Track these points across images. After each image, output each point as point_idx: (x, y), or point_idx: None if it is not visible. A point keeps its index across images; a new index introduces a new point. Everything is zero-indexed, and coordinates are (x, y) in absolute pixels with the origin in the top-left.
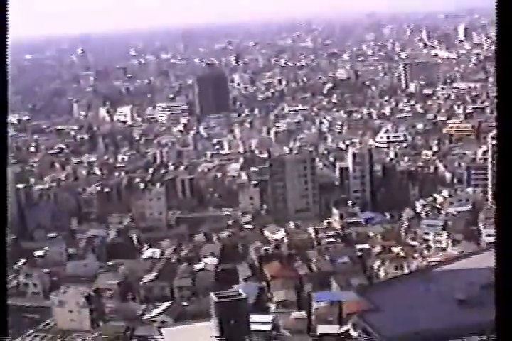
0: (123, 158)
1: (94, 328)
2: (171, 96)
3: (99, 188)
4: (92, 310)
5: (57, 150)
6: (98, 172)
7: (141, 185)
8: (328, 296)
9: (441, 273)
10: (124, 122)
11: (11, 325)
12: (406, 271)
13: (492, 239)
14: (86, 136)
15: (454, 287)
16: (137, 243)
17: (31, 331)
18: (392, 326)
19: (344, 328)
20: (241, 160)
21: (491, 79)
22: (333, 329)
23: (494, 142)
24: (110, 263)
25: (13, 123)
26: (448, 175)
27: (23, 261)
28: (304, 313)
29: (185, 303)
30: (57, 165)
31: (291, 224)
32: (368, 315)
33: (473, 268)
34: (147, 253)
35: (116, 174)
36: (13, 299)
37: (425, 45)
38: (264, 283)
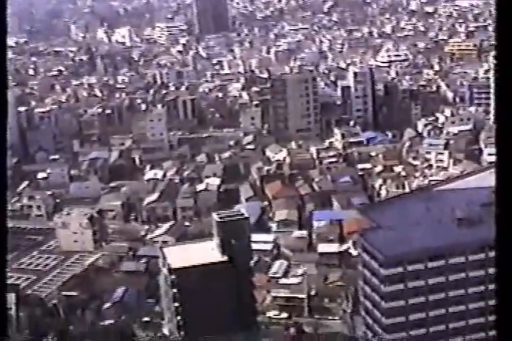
0: (123, 79)
1: (97, 249)
2: (170, 16)
3: (100, 110)
4: (95, 231)
5: (57, 73)
6: (99, 93)
7: (142, 106)
8: (329, 215)
9: (441, 192)
10: (123, 43)
11: (15, 247)
12: (407, 190)
13: (493, 158)
14: (85, 58)
15: (454, 206)
16: (139, 164)
17: (35, 252)
18: (393, 244)
19: (344, 247)
20: (242, 80)
21: None
22: (333, 247)
23: (496, 61)
24: (113, 184)
25: (10, 46)
26: (450, 94)
27: (25, 183)
28: (305, 232)
29: (187, 223)
30: (57, 87)
31: (293, 144)
32: (369, 234)
33: (473, 187)
34: (149, 174)
35: (117, 95)
36: (16, 221)
37: None
38: (266, 203)
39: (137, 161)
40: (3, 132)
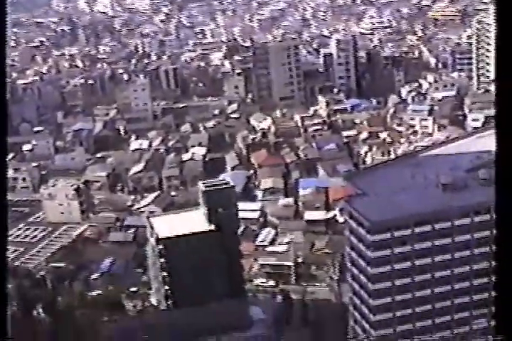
0: (105, 50)
1: (84, 220)
2: None
3: (82, 81)
4: (82, 202)
5: (38, 44)
6: (80, 64)
7: (125, 76)
8: (314, 183)
9: (426, 158)
10: (105, 13)
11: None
12: (392, 156)
13: (478, 124)
14: (66, 28)
15: (440, 171)
16: (124, 134)
17: (22, 224)
18: (379, 211)
19: (331, 214)
20: (224, 48)
21: None
22: (319, 215)
23: (479, 26)
24: (98, 155)
25: None
26: (433, 60)
27: (10, 155)
28: (291, 200)
29: (173, 193)
30: (38, 59)
31: (277, 113)
32: (355, 201)
33: (458, 153)
34: (134, 144)
35: (99, 66)
36: None
37: None
38: (252, 172)
39: (122, 132)
40: (3, 132)
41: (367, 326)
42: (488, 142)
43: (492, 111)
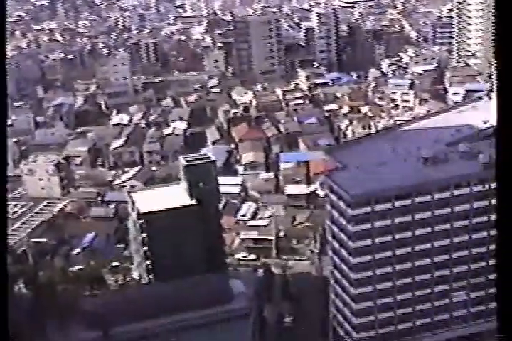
0: (84, 24)
1: (65, 195)
2: None
3: (62, 55)
4: (62, 177)
5: (17, 18)
6: (60, 38)
7: (105, 51)
8: (295, 157)
9: (407, 132)
10: None
11: None
12: (373, 130)
13: (459, 98)
14: (45, 2)
15: (420, 145)
16: (105, 109)
17: None
18: (360, 184)
19: (312, 188)
20: (205, 22)
21: None
22: (300, 189)
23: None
24: (79, 130)
25: None
26: (414, 34)
27: None
28: (272, 174)
29: (154, 168)
30: (17, 33)
31: (259, 87)
32: (336, 175)
33: (439, 127)
34: (115, 119)
35: (79, 40)
36: None
37: None
38: (233, 146)
39: (103, 106)
40: (3, 132)
41: (348, 299)
42: (468, 116)
43: (472, 85)
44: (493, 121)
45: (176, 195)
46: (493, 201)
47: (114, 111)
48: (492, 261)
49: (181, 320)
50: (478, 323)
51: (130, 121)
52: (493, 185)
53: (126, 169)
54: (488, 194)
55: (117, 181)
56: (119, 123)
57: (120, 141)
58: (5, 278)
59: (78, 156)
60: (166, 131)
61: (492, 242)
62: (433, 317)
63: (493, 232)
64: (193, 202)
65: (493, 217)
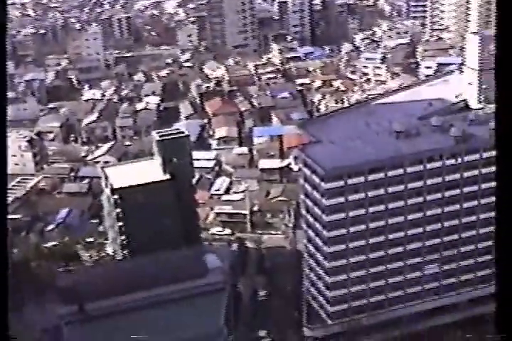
0: None
1: (38, 171)
2: None
3: (33, 30)
4: (35, 153)
5: None
6: (32, 13)
7: (77, 26)
8: (269, 131)
9: (380, 106)
10: None
11: None
12: (346, 104)
13: (430, 72)
14: None
15: (393, 119)
16: (77, 84)
17: None
18: (333, 158)
19: (285, 162)
20: None
21: None
22: (274, 163)
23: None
24: (51, 105)
25: None
26: (387, 8)
27: None
28: (245, 149)
29: (127, 143)
30: None
31: (231, 61)
32: (309, 149)
33: (411, 101)
34: (87, 94)
35: (51, 15)
36: None
37: None
38: (206, 120)
39: (74, 81)
40: (3, 130)
41: (322, 273)
42: (440, 89)
43: (444, 59)
44: (464, 94)
45: (149, 170)
46: (465, 174)
47: (86, 87)
48: (464, 234)
49: (156, 295)
50: (450, 295)
51: (102, 96)
52: (466, 158)
53: (99, 144)
54: (460, 167)
55: (90, 157)
56: (91, 99)
57: (93, 117)
58: (5, 276)
59: (51, 132)
60: (139, 105)
61: (464, 215)
62: (405, 289)
63: (465, 205)
64: (167, 177)
65: (465, 189)
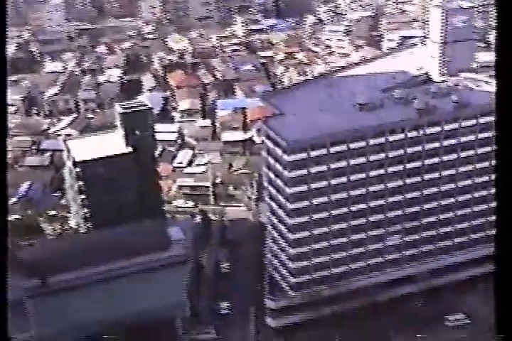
0: None
1: None
2: None
3: None
4: None
5: None
6: None
7: None
8: (232, 104)
9: (343, 79)
10: None
11: None
12: (309, 76)
13: (393, 44)
14: None
15: (356, 91)
16: (39, 56)
17: None
18: (296, 131)
19: (248, 134)
20: None
21: None
22: (237, 135)
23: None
24: (12, 78)
25: None
26: None
27: None
28: (208, 121)
29: (90, 115)
30: None
31: (194, 33)
32: (272, 121)
33: (374, 73)
34: (49, 66)
35: None
36: None
37: None
38: (169, 93)
39: (36, 54)
40: (4, 131)
41: (284, 245)
42: (402, 62)
43: (407, 32)
44: (427, 67)
45: (112, 143)
46: (427, 146)
47: (48, 59)
48: (426, 206)
49: (119, 268)
50: (412, 266)
51: (64, 68)
52: (428, 131)
53: (61, 117)
54: (422, 139)
55: (53, 129)
56: (53, 71)
57: (55, 89)
58: (4, 274)
59: (12, 105)
60: (101, 78)
61: (425, 187)
62: (367, 260)
63: (427, 177)
64: (130, 149)
65: (427, 161)
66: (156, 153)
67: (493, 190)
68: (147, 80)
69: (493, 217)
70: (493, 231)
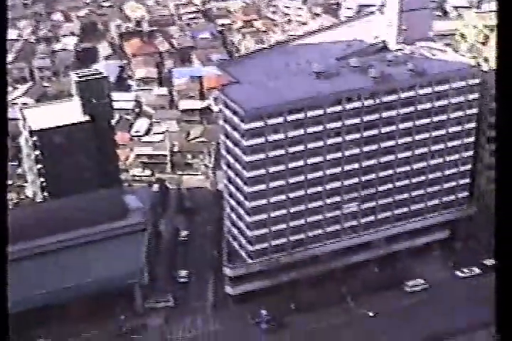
0: None
1: None
2: None
3: None
4: None
5: None
6: None
7: None
8: (189, 72)
9: (300, 47)
10: None
11: None
12: (266, 45)
13: (350, 13)
14: None
15: (312, 60)
16: None
17: None
18: (253, 99)
19: (205, 103)
20: None
21: None
22: (194, 104)
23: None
24: None
25: None
26: None
27: None
28: (165, 90)
29: (45, 84)
30: None
31: (151, 1)
32: (229, 90)
33: (331, 42)
34: None
35: None
36: None
37: None
38: (125, 61)
39: None
40: (4, 132)
41: (242, 212)
42: (360, 31)
43: (365, 0)
44: (383, 35)
45: (68, 112)
46: (384, 114)
47: None
48: (382, 173)
49: (76, 237)
50: (368, 233)
51: (19, 36)
52: (385, 99)
53: (16, 86)
54: (378, 107)
55: (9, 98)
56: (8, 39)
57: (9, 57)
58: (4, 275)
59: None
60: (57, 46)
61: (381, 155)
62: (325, 228)
63: (383, 145)
64: (86, 118)
65: (383, 130)
66: (113, 122)
67: (448, 157)
68: (103, 48)
69: (449, 184)
70: (449, 198)
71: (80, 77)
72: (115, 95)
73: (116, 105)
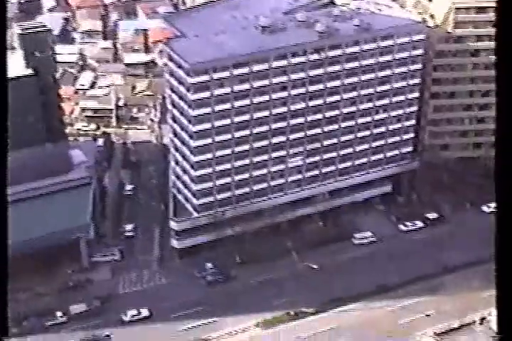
0: None
1: None
2: None
3: None
4: None
5: None
6: None
7: None
8: (134, 25)
9: (246, 0)
10: None
11: None
12: None
13: None
14: None
15: (259, 13)
16: None
17: None
18: (199, 53)
19: (150, 56)
20: None
21: None
22: (139, 57)
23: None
24: None
25: None
26: None
27: None
28: (110, 43)
29: None
30: None
31: None
32: (175, 43)
33: None
34: None
35: None
36: None
37: None
38: (69, 13)
39: None
40: (4, 132)
41: (187, 166)
42: None
43: None
44: None
45: (11, 65)
46: (329, 69)
47: None
48: (327, 128)
49: (20, 191)
50: (312, 187)
51: None
52: (330, 54)
53: None
54: (323, 62)
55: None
56: None
57: None
58: (5, 276)
59: None
60: None
61: (327, 110)
62: (269, 182)
63: (329, 100)
64: (30, 71)
65: (329, 85)
66: (58, 75)
67: (392, 113)
68: (47, 0)
69: (393, 139)
70: (393, 153)
71: (23, 30)
72: (59, 48)
73: (60, 58)
